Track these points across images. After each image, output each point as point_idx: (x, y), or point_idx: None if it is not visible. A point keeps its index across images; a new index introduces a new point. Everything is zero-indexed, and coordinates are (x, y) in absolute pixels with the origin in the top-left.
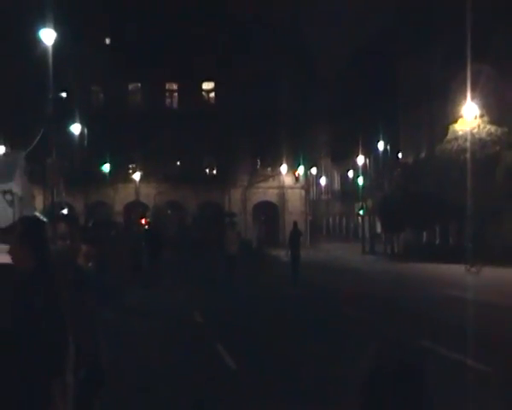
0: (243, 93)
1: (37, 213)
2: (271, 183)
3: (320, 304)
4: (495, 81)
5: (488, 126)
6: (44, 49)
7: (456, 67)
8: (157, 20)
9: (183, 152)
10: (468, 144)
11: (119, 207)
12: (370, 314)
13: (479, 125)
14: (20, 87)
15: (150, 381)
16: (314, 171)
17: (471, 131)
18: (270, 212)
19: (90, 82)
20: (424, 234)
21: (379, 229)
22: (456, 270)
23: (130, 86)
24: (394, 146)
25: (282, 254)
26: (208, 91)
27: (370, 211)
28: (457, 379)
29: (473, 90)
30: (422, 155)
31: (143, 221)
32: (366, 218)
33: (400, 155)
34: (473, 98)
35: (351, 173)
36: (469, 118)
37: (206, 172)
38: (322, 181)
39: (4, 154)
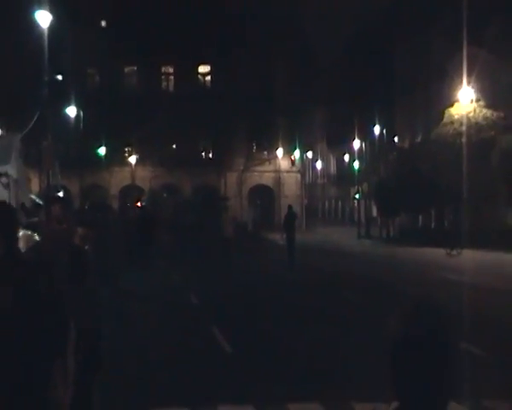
0: (239, 76)
1: (33, 196)
2: (267, 166)
3: (316, 288)
4: (491, 66)
5: (484, 111)
6: (40, 31)
7: (453, 52)
8: (153, 2)
9: (179, 135)
10: (463, 128)
11: (114, 190)
12: (365, 297)
13: (474, 110)
14: (16, 70)
15: (146, 364)
16: (310, 155)
17: (467, 116)
18: (265, 195)
19: (86, 65)
20: (420, 218)
21: (374, 213)
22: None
23: (126, 69)
24: (390, 130)
25: (278, 237)
26: (204, 75)
27: (366, 195)
28: None
29: (469, 74)
30: (418, 139)
31: (139, 204)
32: (362, 202)
33: (396, 139)
34: (469, 82)
35: (347, 157)
36: (465, 102)
37: (201, 156)
38: (318, 165)
39: (0, 136)
